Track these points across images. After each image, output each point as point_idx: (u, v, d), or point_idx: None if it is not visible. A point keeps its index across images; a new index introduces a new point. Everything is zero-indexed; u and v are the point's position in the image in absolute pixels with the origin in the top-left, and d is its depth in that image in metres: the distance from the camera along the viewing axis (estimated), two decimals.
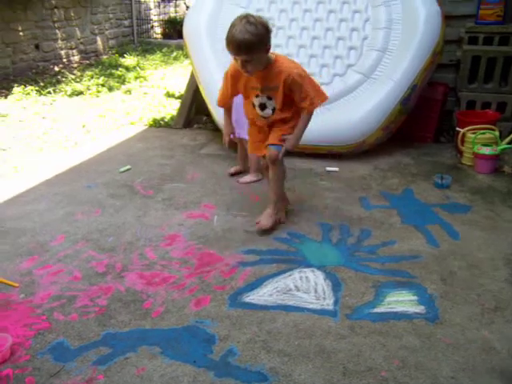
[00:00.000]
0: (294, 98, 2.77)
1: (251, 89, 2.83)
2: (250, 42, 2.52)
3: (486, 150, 3.81)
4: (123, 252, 2.76)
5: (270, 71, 2.72)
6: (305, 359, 1.94)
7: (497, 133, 3.92)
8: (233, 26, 2.56)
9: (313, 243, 2.85)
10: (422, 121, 4.57)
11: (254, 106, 2.88)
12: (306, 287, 2.41)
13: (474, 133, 3.92)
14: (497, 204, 3.33)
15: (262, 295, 2.35)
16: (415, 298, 2.32)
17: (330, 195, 3.50)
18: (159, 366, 1.90)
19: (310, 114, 2.82)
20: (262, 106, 2.85)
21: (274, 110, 2.84)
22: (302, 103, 2.77)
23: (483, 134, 3.90)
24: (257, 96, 2.84)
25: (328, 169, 3.97)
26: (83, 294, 2.37)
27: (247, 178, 3.75)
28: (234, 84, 2.87)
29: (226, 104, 3.05)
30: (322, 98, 2.81)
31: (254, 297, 2.34)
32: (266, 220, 2.94)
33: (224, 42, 2.60)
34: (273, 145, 2.87)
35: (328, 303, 2.28)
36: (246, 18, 2.55)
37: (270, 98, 2.81)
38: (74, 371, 1.88)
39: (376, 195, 3.50)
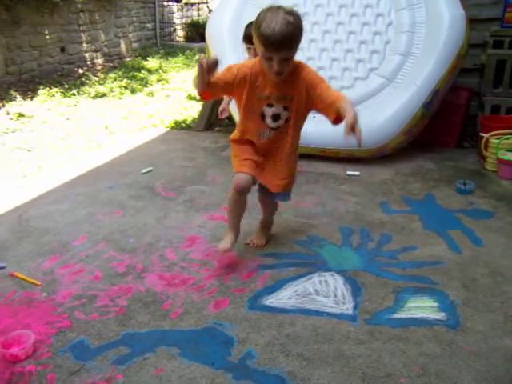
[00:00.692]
0: (316, 104, 2.43)
1: (261, 98, 2.45)
2: (295, 35, 2.20)
3: (511, 156, 3.75)
4: (144, 253, 2.78)
5: (292, 76, 2.38)
6: (323, 364, 1.93)
7: None
8: (269, 19, 2.17)
9: (333, 247, 2.84)
10: (444, 126, 4.51)
11: (262, 116, 2.50)
12: (326, 291, 2.40)
13: (498, 138, 3.87)
14: None
15: (281, 298, 2.34)
16: (436, 304, 2.29)
17: (351, 199, 3.48)
18: (178, 367, 1.91)
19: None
20: (276, 117, 2.49)
21: (287, 120, 2.52)
22: (331, 100, 2.32)
23: (508, 139, 3.84)
24: (270, 105, 2.47)
25: (349, 173, 3.95)
26: (104, 294, 2.39)
27: None
28: (230, 85, 2.43)
29: (208, 98, 2.54)
30: None
31: (273, 300, 2.33)
32: (261, 239, 2.85)
33: (257, 40, 2.23)
34: (279, 194, 2.65)
35: (347, 308, 2.27)
36: (282, 9, 2.21)
37: (285, 109, 2.48)
38: (94, 370, 1.90)
39: (397, 200, 3.47)
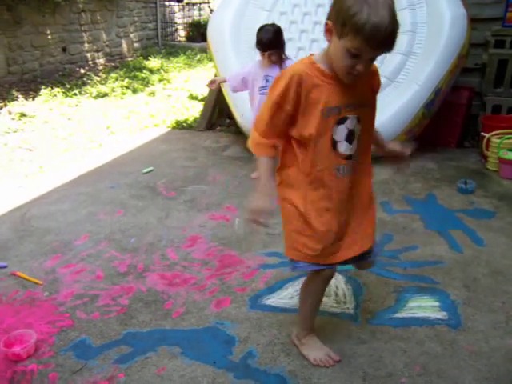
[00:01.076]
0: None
1: (330, 114, 1.64)
2: (397, 31, 1.58)
3: None
4: (145, 252, 2.79)
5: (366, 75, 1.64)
6: None
7: None
8: (372, 2, 1.50)
9: None
10: (446, 125, 4.52)
11: (334, 144, 1.67)
12: (327, 291, 2.39)
13: (499, 138, 3.87)
14: None
15: (283, 298, 2.34)
16: (437, 303, 2.29)
17: None
18: (179, 366, 1.92)
19: None
20: (351, 136, 1.69)
21: (358, 140, 1.72)
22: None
23: (509, 138, 3.84)
24: (342, 121, 1.66)
25: None
26: (105, 294, 2.40)
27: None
28: (293, 107, 1.63)
29: (275, 139, 1.71)
30: None
31: (274, 299, 2.33)
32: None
33: (345, 29, 1.49)
34: (374, 248, 1.93)
35: (349, 307, 2.27)
36: None
37: (359, 121, 1.70)
38: (96, 369, 1.90)
39: (398, 200, 3.47)
